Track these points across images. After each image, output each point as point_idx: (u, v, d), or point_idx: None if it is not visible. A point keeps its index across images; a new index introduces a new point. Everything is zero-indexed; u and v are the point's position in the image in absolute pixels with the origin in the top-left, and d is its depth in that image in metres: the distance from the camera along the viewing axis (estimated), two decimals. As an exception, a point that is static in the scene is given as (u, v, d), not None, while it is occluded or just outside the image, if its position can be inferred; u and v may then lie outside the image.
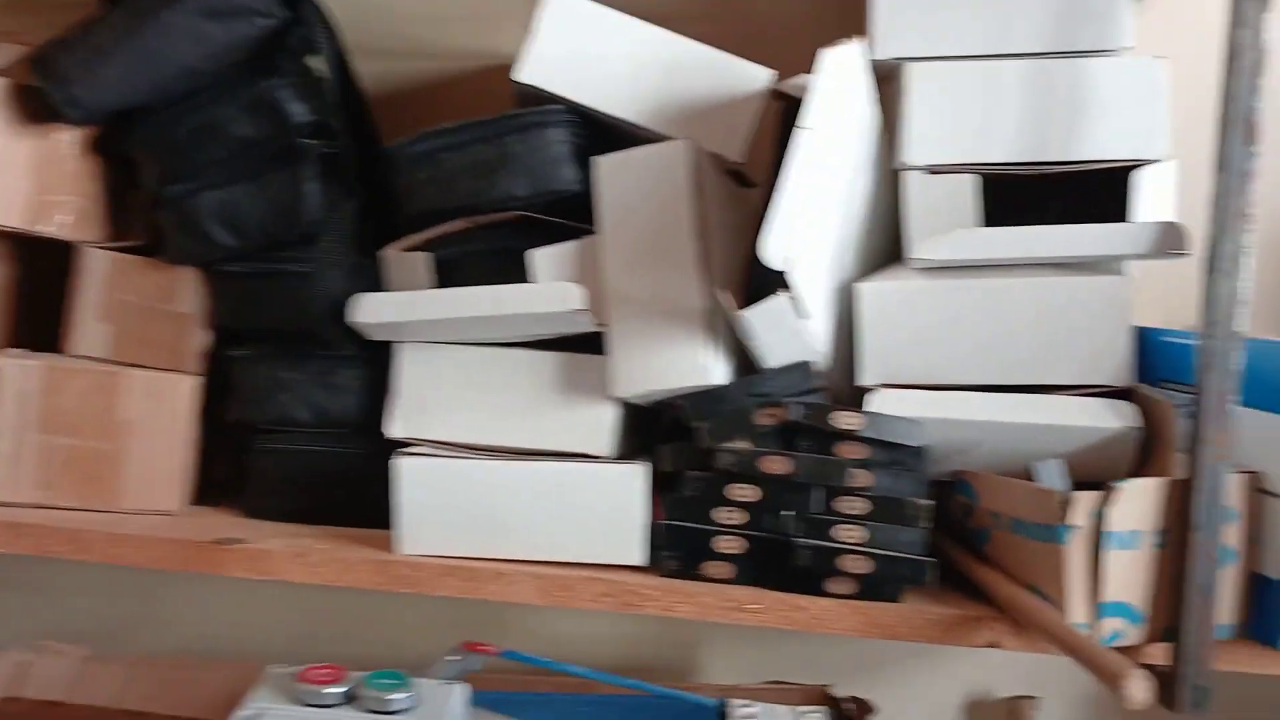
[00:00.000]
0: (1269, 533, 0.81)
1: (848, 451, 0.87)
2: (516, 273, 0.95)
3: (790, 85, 0.93)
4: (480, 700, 0.95)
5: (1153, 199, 0.89)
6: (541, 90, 0.96)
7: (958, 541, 0.94)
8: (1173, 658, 0.78)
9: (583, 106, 0.95)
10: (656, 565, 0.92)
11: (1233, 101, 0.78)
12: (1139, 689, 0.71)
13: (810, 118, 0.82)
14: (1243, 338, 0.78)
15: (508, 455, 0.95)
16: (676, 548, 0.90)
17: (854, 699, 1.03)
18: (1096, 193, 0.90)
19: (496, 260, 0.97)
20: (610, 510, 0.92)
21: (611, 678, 0.97)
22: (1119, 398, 0.87)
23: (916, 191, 0.92)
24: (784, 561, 0.88)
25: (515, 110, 0.95)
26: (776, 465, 0.87)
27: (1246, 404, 0.80)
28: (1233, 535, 0.81)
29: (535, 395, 0.95)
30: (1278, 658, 0.81)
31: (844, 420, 0.87)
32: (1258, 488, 0.82)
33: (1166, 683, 0.77)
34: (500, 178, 0.94)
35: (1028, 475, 0.87)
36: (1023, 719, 1.10)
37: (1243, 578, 0.82)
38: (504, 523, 0.94)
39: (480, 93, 1.15)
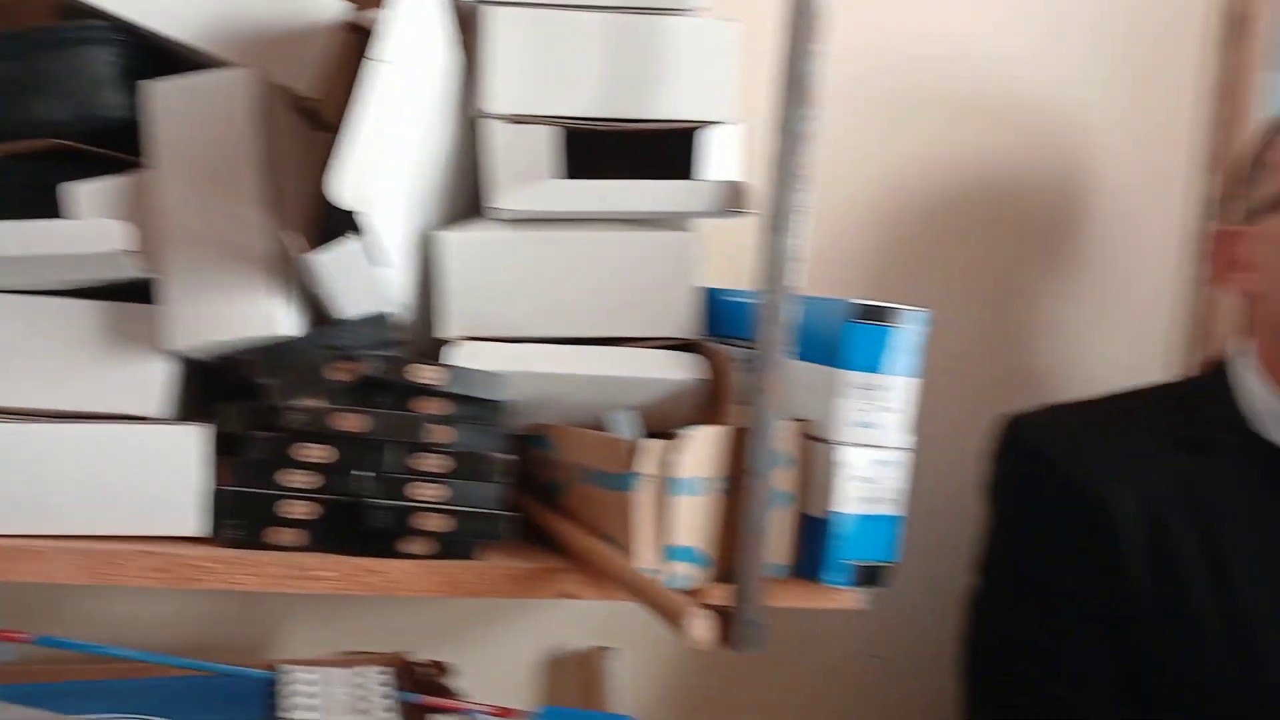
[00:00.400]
0: (814, 475, 0.87)
1: (427, 407, 0.85)
2: (53, 210, 0.85)
3: (364, 17, 0.89)
4: (8, 694, 0.85)
5: (720, 159, 0.93)
6: (84, 2, 0.86)
7: (537, 496, 0.95)
8: (731, 597, 0.83)
9: (133, 23, 0.86)
10: (219, 535, 0.85)
11: (791, 67, 0.82)
12: (699, 627, 0.74)
13: (383, 49, 0.78)
14: (797, 294, 0.83)
15: (43, 418, 0.85)
16: (241, 515, 0.85)
17: (431, 662, 1.02)
18: (670, 148, 0.93)
19: (28, 195, 0.86)
20: (163, 477, 0.85)
21: (161, 658, 0.90)
22: (684, 350, 0.91)
23: (496, 140, 0.91)
24: (359, 524, 0.84)
25: (51, 23, 0.86)
26: (351, 423, 0.84)
27: (800, 357, 0.85)
28: (786, 480, 0.86)
29: (75, 350, 0.86)
30: (823, 592, 0.87)
31: (423, 374, 0.85)
32: (806, 434, 0.87)
33: (725, 621, 0.82)
34: (32, 100, 0.85)
35: (601, 426, 0.89)
36: (598, 669, 1.14)
37: (794, 519, 0.88)
38: (41, 495, 0.84)
39: (11, 5, 1.02)
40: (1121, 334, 1.31)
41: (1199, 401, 1.10)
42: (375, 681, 0.61)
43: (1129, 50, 1.27)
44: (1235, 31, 1.28)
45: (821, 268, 1.18)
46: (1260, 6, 1.26)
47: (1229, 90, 1.28)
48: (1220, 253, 1.10)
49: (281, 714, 0.56)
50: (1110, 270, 1.30)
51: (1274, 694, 0.96)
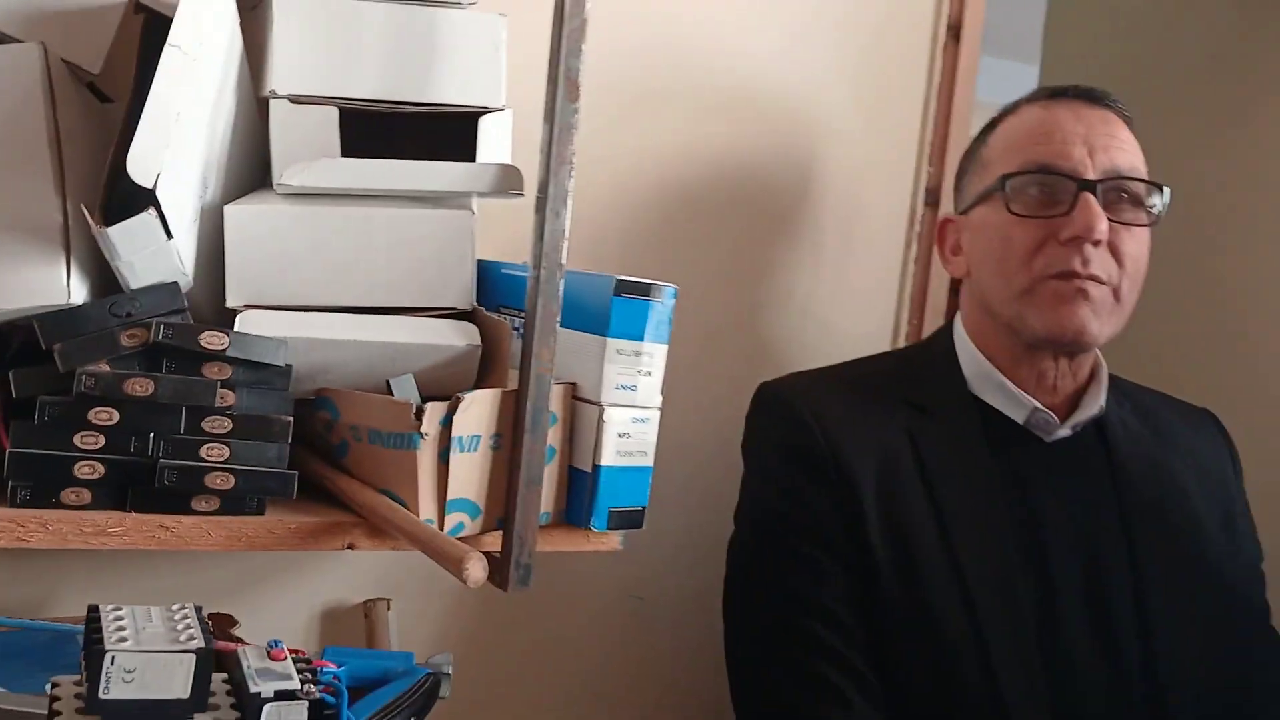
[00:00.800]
0: (581, 432, 0.96)
1: (213, 372, 0.89)
2: None
3: (152, -1, 0.92)
4: None
5: (495, 143, 1.00)
6: None
7: (320, 456, 1.00)
8: (503, 543, 0.91)
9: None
10: (10, 496, 0.87)
11: (559, 61, 0.90)
12: (477, 569, 0.82)
13: (174, 31, 0.81)
14: (564, 269, 0.91)
15: None
16: (30, 476, 0.86)
17: (215, 615, 1.05)
18: (449, 133, 0.99)
19: None
20: (-54, 441, 0.86)
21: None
22: (463, 319, 0.98)
23: (281, 120, 0.95)
24: (149, 484, 0.87)
25: None
26: (139, 387, 0.86)
27: (566, 325, 0.94)
28: (554, 436, 0.95)
29: None
30: (585, 536, 0.97)
31: (209, 340, 0.88)
32: (574, 396, 0.96)
33: (498, 565, 0.90)
34: None
35: (384, 390, 0.95)
36: (377, 618, 1.19)
37: (561, 471, 0.97)
38: None
39: None
40: (856, 307, 1.44)
41: (923, 368, 1.23)
42: (179, 615, 0.66)
43: (862, 49, 1.40)
44: (951, 35, 1.43)
45: (590, 246, 1.26)
46: (973, 13, 1.42)
47: (947, 89, 1.44)
48: (944, 238, 1.24)
49: (102, 646, 0.61)
50: (846, 249, 1.43)
51: (984, 622, 1.07)
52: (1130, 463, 1.18)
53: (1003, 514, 1.12)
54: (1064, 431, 1.17)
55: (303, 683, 0.67)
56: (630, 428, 0.96)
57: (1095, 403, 1.18)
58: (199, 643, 0.64)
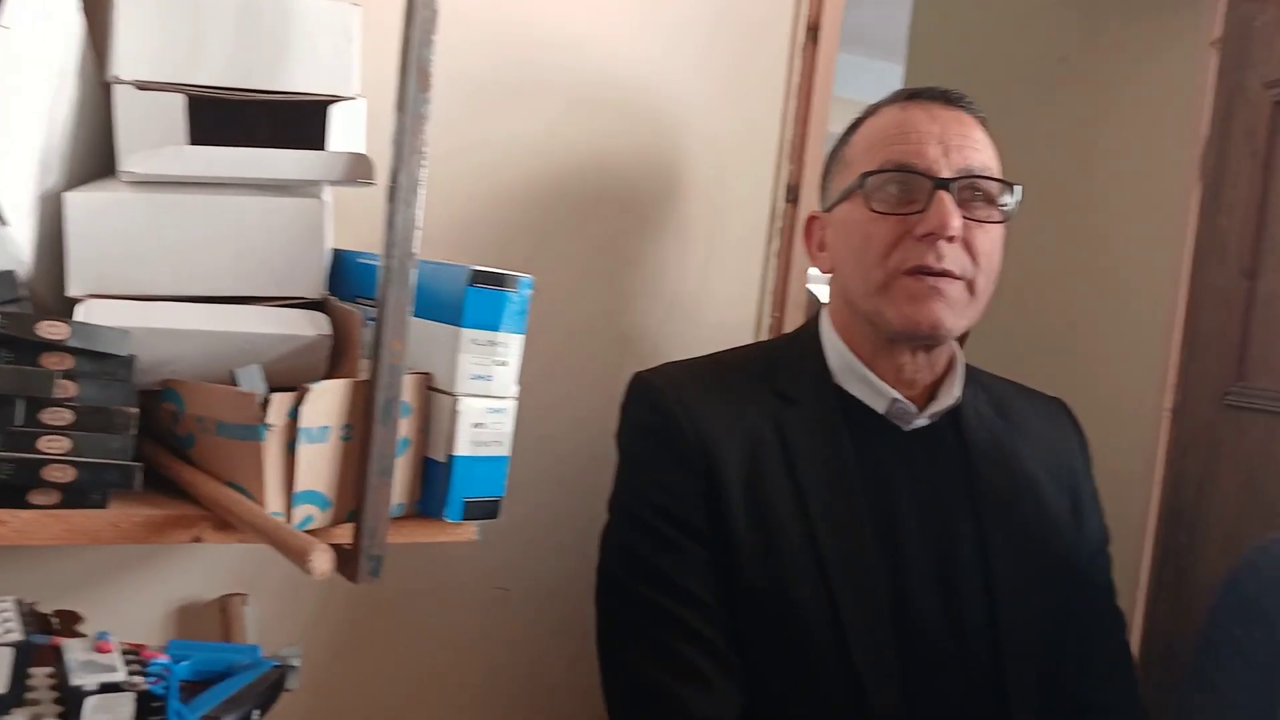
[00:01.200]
0: (435, 423, 0.96)
1: (53, 362, 0.86)
2: None
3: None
4: None
5: (346, 132, 0.99)
6: None
7: (167, 448, 0.98)
8: (354, 535, 0.90)
9: None
10: None
11: (410, 52, 0.89)
12: (322, 562, 0.81)
13: (7, 14, 0.79)
14: (417, 259, 0.91)
15: None
16: None
17: (60, 611, 1.02)
18: (300, 122, 0.98)
19: None
20: None
21: None
22: (314, 309, 0.97)
23: (126, 106, 0.93)
24: (-16, 477, 0.85)
25: None
26: (-26, 377, 0.84)
27: (420, 315, 0.93)
28: (408, 427, 0.95)
29: None
30: (443, 527, 0.97)
31: (48, 330, 0.86)
32: (428, 386, 0.96)
33: (349, 557, 0.89)
34: None
35: (231, 381, 0.93)
36: (232, 614, 1.17)
37: (415, 463, 0.96)
38: None
39: None
40: (720, 299, 1.46)
41: (789, 358, 1.25)
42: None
43: (725, 50, 1.42)
44: (810, 36, 1.46)
45: (456, 237, 1.26)
46: (831, 15, 1.45)
47: (805, 89, 1.46)
48: (811, 235, 1.27)
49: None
50: (710, 244, 1.45)
51: (839, 599, 1.11)
52: (982, 450, 1.22)
53: (861, 498, 1.16)
54: (921, 421, 1.20)
55: (130, 674, 0.66)
56: (485, 418, 0.96)
57: (951, 394, 1.21)
58: (17, 635, 0.62)
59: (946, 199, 1.13)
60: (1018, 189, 1.19)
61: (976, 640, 1.15)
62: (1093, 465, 1.32)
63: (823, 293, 1.28)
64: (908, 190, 1.15)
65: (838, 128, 1.28)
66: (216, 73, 0.95)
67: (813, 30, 1.45)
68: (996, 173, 1.18)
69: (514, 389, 0.98)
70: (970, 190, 1.16)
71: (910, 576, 1.15)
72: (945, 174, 1.14)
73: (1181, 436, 1.80)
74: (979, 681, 1.15)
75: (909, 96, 1.21)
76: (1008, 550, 1.18)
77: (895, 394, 1.19)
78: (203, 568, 1.19)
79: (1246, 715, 1.11)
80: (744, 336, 1.46)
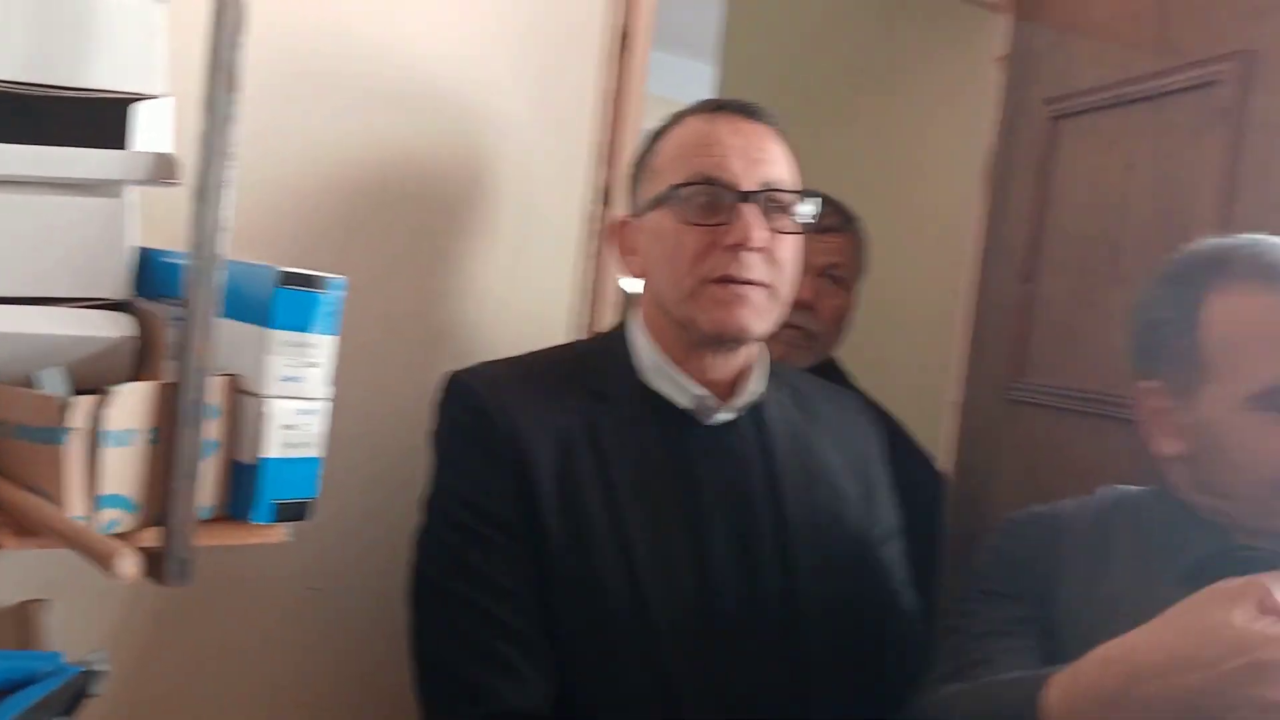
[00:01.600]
0: (244, 425, 0.96)
1: None
2: None
3: None
4: None
5: (151, 131, 0.98)
6: None
7: (-39, 452, 0.95)
8: (162, 538, 0.89)
9: None
10: None
11: (218, 52, 0.89)
12: (127, 565, 0.81)
13: None
14: (224, 259, 0.90)
15: None
16: None
17: None
18: (103, 119, 0.96)
19: None
20: None
21: None
22: (118, 310, 0.95)
23: (-88, 99, 0.90)
24: None
25: None
26: None
27: (229, 316, 0.93)
28: (215, 429, 0.94)
29: None
30: (251, 529, 0.97)
31: None
32: (236, 388, 0.96)
33: (156, 560, 0.88)
34: None
35: (31, 383, 0.91)
36: (32, 622, 1.13)
37: (223, 465, 0.96)
38: None
39: None
40: (533, 299, 1.49)
41: (602, 358, 1.29)
42: None
43: (538, 51, 1.44)
44: (622, 44, 1.50)
45: (266, 237, 1.25)
46: (640, 24, 1.49)
47: (618, 95, 1.50)
48: (618, 238, 1.31)
49: None
50: (523, 244, 1.47)
51: (644, 585, 1.16)
52: (781, 440, 1.29)
53: (667, 489, 1.22)
54: (724, 415, 1.26)
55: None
56: (295, 419, 0.96)
57: (750, 389, 1.27)
58: None
59: (751, 211, 1.19)
60: (815, 200, 1.25)
61: (777, 616, 1.22)
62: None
63: (635, 287, 1.32)
64: (715, 202, 1.21)
65: (652, 123, 1.32)
66: (13, 67, 0.92)
67: (625, 35, 1.49)
68: (794, 185, 1.25)
69: (326, 390, 0.98)
70: (770, 201, 1.22)
71: (713, 560, 1.21)
72: (748, 186, 1.20)
73: (968, 429, 1.93)
74: (780, 657, 1.21)
75: (714, 109, 1.27)
76: (804, 531, 1.26)
77: (700, 390, 1.24)
78: (3, 575, 1.15)
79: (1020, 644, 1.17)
80: (556, 334, 1.49)
